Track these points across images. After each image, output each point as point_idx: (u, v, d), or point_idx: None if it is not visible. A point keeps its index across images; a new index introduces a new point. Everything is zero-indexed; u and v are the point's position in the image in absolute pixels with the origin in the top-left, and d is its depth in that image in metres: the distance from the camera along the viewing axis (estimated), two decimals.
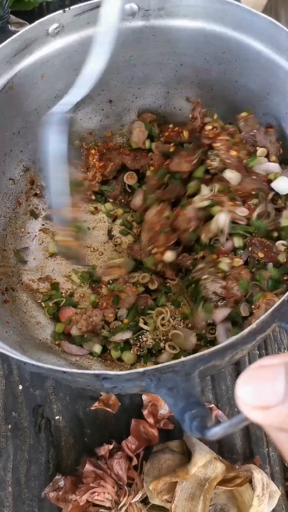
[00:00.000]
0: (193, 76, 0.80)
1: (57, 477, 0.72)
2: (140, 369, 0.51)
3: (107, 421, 0.77)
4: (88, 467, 0.70)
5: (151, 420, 0.74)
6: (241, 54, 0.72)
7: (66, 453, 0.76)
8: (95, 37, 0.65)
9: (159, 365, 0.50)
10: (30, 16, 0.96)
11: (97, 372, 0.51)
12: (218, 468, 0.66)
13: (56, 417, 0.77)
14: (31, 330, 0.76)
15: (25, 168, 0.83)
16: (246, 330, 0.51)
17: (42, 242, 0.85)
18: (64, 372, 0.52)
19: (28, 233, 0.84)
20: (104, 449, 0.71)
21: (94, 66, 0.66)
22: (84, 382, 0.55)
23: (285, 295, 0.52)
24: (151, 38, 0.75)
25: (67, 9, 0.68)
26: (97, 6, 0.70)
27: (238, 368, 0.79)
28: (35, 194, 0.86)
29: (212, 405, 0.76)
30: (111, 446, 0.72)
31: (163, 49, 0.77)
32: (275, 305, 0.51)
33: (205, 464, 0.66)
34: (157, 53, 0.78)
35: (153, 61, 0.79)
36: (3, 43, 0.68)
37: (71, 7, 0.69)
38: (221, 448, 0.75)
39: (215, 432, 0.41)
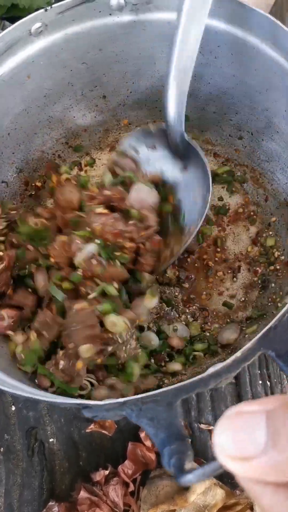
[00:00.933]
0: None
1: (51, 503, 0.70)
2: (121, 399, 0.49)
3: (103, 444, 0.75)
4: (83, 494, 0.68)
5: (148, 443, 0.71)
6: (237, 49, 0.67)
7: (60, 478, 0.73)
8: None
9: (140, 396, 0.49)
10: None
11: (77, 401, 0.50)
12: (218, 494, 0.64)
13: (50, 440, 0.75)
14: None
15: (18, 169, 0.81)
16: (230, 360, 0.49)
17: None
18: (45, 400, 0.51)
19: None
20: (99, 475, 0.69)
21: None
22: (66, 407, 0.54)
23: (272, 322, 0.49)
24: (141, 32, 0.71)
25: (48, 7, 0.65)
26: (81, 2, 0.66)
27: (238, 389, 0.76)
28: (30, 195, 0.84)
29: (212, 427, 0.73)
30: (107, 472, 0.70)
31: (155, 43, 0.72)
32: (261, 333, 0.49)
33: (204, 490, 0.64)
34: (149, 47, 0.73)
35: (146, 55, 0.75)
36: None
37: (53, 5, 0.65)
38: (221, 473, 0.73)
39: (188, 480, 0.40)
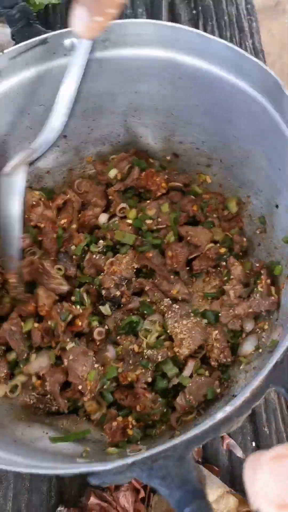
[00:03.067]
0: (149, 102, 0.75)
1: (59, 508, 0.67)
2: (129, 459, 0.46)
3: None
4: (93, 499, 0.65)
5: None
6: (198, 79, 0.67)
7: (69, 483, 0.70)
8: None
9: (149, 453, 0.46)
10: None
11: (82, 470, 0.46)
12: (230, 503, 0.63)
13: None
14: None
15: None
16: (239, 401, 0.47)
17: None
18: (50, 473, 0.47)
19: None
20: None
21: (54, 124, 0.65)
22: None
23: (275, 357, 0.47)
24: (98, 70, 0.69)
25: (0, 53, 0.62)
26: (34, 46, 0.64)
27: None
28: None
29: (224, 434, 0.71)
30: None
31: (113, 79, 0.71)
32: (267, 370, 0.47)
33: (217, 499, 0.63)
34: (107, 84, 0.72)
35: (105, 91, 0.74)
36: None
37: (5, 51, 0.63)
38: (233, 480, 0.70)
39: None
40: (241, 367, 0.67)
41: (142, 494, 0.67)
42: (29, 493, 0.70)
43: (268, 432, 0.72)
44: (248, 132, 0.68)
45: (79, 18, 0.53)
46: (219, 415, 0.47)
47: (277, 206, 0.67)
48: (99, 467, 0.46)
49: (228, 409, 0.47)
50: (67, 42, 0.65)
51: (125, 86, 0.72)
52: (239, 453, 0.71)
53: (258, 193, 0.73)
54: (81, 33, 0.56)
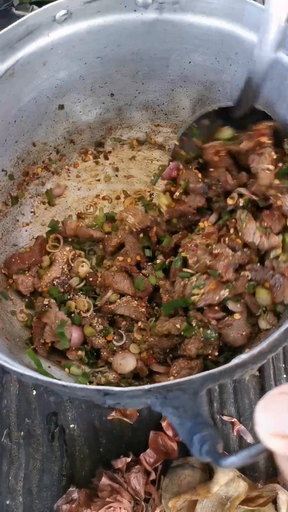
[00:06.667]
0: (200, 75, 0.77)
1: (71, 489, 0.68)
2: (146, 386, 0.48)
3: (124, 432, 0.73)
4: (104, 480, 0.66)
5: (170, 432, 0.70)
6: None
7: (80, 464, 0.72)
8: None
9: (166, 383, 0.48)
10: None
11: (100, 388, 0.48)
12: (241, 487, 0.63)
13: (71, 425, 0.74)
14: (18, 329, 0.73)
15: (20, 159, 0.79)
16: (256, 350, 0.49)
17: (33, 238, 0.82)
18: (64, 386, 0.49)
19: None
20: (121, 462, 0.68)
21: None
22: (84, 396, 0.52)
23: None
24: (161, 32, 0.71)
25: None
26: None
27: (261, 381, 0.76)
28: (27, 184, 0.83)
29: (234, 420, 0.73)
30: (128, 459, 0.68)
31: (172, 45, 0.74)
32: (286, 326, 0.50)
33: (227, 482, 0.64)
34: (165, 48, 0.74)
35: (161, 56, 0.76)
36: (6, 28, 0.64)
37: None
38: (243, 466, 0.72)
39: (232, 462, 0.40)
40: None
41: (153, 476, 0.68)
42: (40, 474, 0.72)
43: None
44: None
45: None
46: (235, 361, 0.49)
47: None
48: (117, 388, 0.48)
49: (244, 357, 0.50)
50: None
51: (181, 54, 0.75)
52: (249, 439, 0.72)
53: None
54: None
